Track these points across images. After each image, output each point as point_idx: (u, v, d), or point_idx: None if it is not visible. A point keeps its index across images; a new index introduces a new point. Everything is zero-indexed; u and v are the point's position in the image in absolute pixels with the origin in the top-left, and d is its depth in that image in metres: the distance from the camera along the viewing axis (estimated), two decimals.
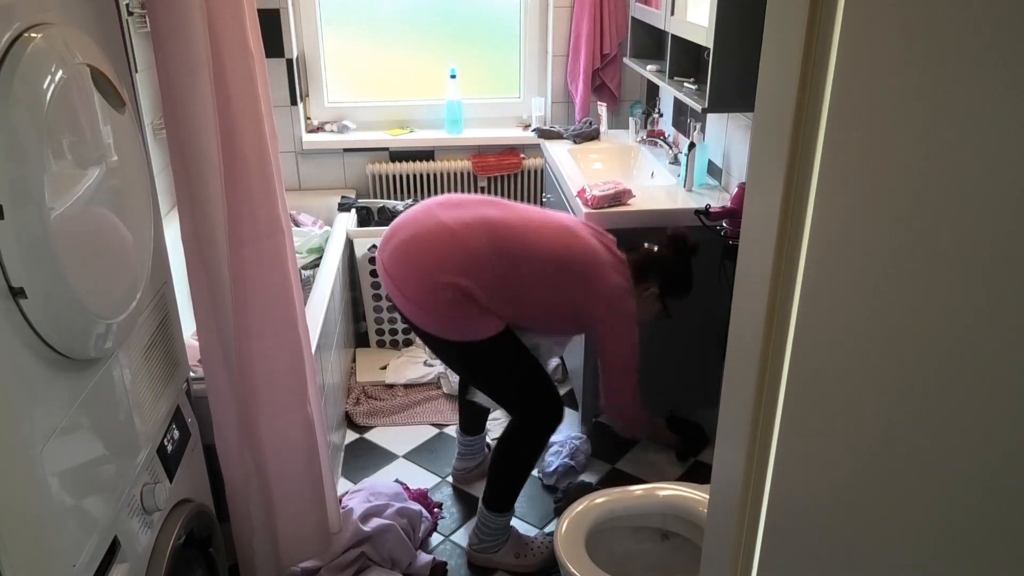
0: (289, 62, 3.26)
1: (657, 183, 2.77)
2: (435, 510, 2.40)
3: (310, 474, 1.89)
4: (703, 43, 2.19)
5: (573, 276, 1.98)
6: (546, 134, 3.27)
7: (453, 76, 3.34)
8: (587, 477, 2.58)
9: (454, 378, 2.92)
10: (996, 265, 0.47)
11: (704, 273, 2.42)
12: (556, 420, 2.10)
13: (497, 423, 2.82)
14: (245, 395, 1.72)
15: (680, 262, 2.13)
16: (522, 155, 3.47)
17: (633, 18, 3.06)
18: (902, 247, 0.55)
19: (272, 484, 1.83)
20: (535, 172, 3.49)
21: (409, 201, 3.30)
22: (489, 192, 3.51)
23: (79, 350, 1.16)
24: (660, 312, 2.15)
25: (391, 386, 3.04)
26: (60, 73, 1.08)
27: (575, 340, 2.65)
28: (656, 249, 2.15)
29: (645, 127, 3.21)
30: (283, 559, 1.93)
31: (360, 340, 3.33)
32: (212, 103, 1.47)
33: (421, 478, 2.55)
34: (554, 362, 3.15)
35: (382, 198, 3.44)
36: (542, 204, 3.45)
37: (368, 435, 2.81)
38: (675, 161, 2.86)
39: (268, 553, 1.90)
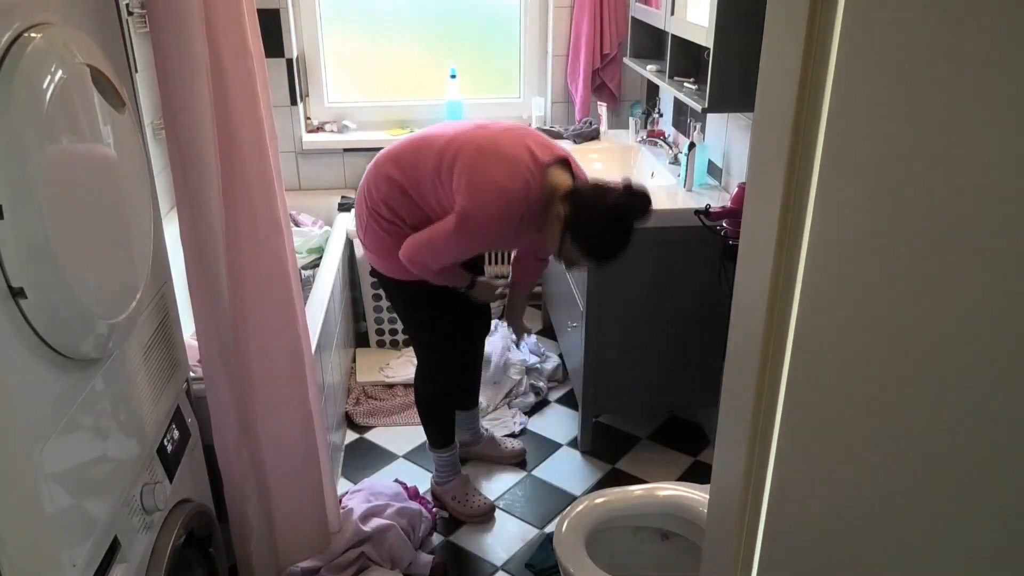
0: (289, 62, 3.26)
1: (657, 183, 2.77)
2: (434, 510, 2.40)
3: (309, 474, 1.88)
4: (703, 43, 2.19)
5: (446, 157, 1.88)
6: (546, 134, 3.27)
7: (453, 76, 3.34)
8: (587, 477, 2.58)
9: None
10: (997, 264, 0.47)
11: (704, 273, 2.42)
12: (447, 380, 2.35)
13: (498, 423, 2.83)
14: (243, 394, 1.72)
15: (611, 211, 1.81)
16: None
17: (633, 18, 3.06)
18: (902, 246, 0.55)
19: (270, 484, 1.83)
20: None
21: None
22: None
23: (79, 350, 1.16)
24: (557, 248, 1.89)
25: (391, 386, 3.04)
26: (60, 73, 1.08)
27: (572, 329, 2.65)
28: (606, 186, 1.86)
29: (645, 127, 3.21)
30: (281, 559, 1.93)
31: (360, 340, 3.33)
32: (210, 103, 1.47)
33: (421, 478, 2.55)
34: (553, 362, 3.15)
35: None
36: None
37: (368, 435, 2.81)
38: (675, 161, 2.86)
39: (266, 553, 1.90)
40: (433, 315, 2.20)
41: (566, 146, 3.12)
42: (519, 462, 2.65)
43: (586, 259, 1.89)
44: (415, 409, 2.89)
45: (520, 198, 1.84)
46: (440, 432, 2.40)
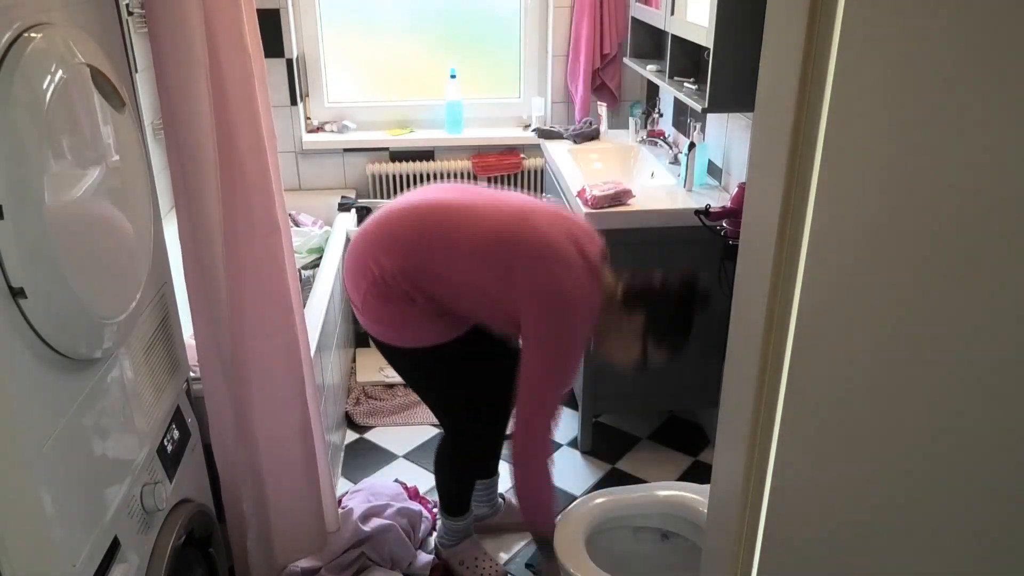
0: (289, 62, 3.26)
1: (657, 183, 2.77)
2: (434, 510, 2.40)
3: (306, 474, 1.88)
4: (703, 43, 2.19)
5: (499, 261, 1.71)
6: (546, 134, 3.27)
7: (453, 76, 3.34)
8: (587, 477, 2.58)
9: None
10: (998, 264, 0.47)
11: (704, 273, 2.42)
12: (480, 455, 2.10)
13: None
14: (241, 395, 1.71)
15: (681, 304, 1.79)
16: (522, 155, 3.47)
17: (633, 18, 3.06)
18: (902, 246, 0.55)
19: (267, 483, 1.82)
20: (535, 172, 3.49)
21: None
22: None
23: (79, 350, 1.16)
24: (635, 354, 1.81)
25: (391, 386, 3.04)
26: (60, 73, 1.08)
27: None
28: (660, 276, 1.81)
29: (645, 127, 3.20)
30: (279, 558, 1.93)
31: (360, 340, 3.33)
32: (208, 103, 1.48)
33: (421, 478, 2.55)
34: None
35: (382, 198, 3.44)
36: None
37: (368, 435, 2.81)
38: (675, 161, 2.86)
39: (263, 552, 1.90)
40: (447, 383, 1.97)
41: (566, 146, 3.13)
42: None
43: (665, 355, 1.82)
44: (415, 409, 2.91)
45: (589, 312, 1.74)
46: (458, 500, 2.15)
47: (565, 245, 1.71)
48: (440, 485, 2.18)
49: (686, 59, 2.55)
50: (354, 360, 3.20)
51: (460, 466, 2.13)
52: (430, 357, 1.87)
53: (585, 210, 2.38)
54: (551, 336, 1.72)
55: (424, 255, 1.75)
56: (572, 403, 2.94)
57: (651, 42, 3.05)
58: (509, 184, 3.51)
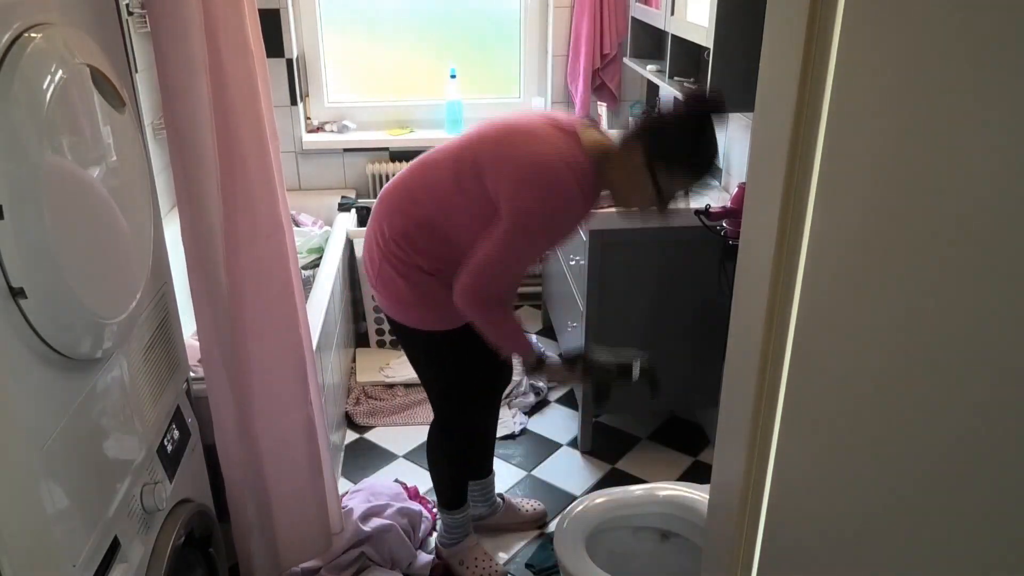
0: (289, 62, 3.26)
1: None
2: (434, 510, 2.40)
3: (310, 474, 1.88)
4: (703, 43, 2.19)
5: (473, 164, 1.68)
6: None
7: (453, 76, 3.34)
8: (587, 477, 2.58)
9: None
10: (996, 264, 0.47)
11: (704, 273, 2.42)
12: (463, 440, 2.11)
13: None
14: (244, 395, 1.71)
15: (687, 118, 1.59)
16: None
17: (633, 18, 3.06)
18: (902, 246, 0.55)
19: (271, 484, 1.82)
20: None
21: None
22: None
23: (79, 350, 1.16)
24: (649, 194, 1.65)
25: (391, 386, 3.04)
26: (60, 73, 1.08)
27: (572, 329, 2.65)
28: (656, 106, 1.66)
29: None
30: (283, 559, 1.93)
31: (360, 340, 3.33)
32: (209, 103, 1.48)
33: (421, 478, 2.55)
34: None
35: None
36: None
37: (368, 435, 2.81)
38: None
39: (267, 553, 1.90)
40: (455, 370, 1.97)
41: None
42: (540, 524, 2.39)
43: (692, 180, 1.65)
44: (415, 409, 2.91)
45: (565, 166, 1.61)
46: (454, 491, 2.17)
47: (530, 122, 1.70)
48: (435, 477, 2.20)
49: (686, 59, 2.55)
50: (354, 360, 3.20)
51: (452, 453, 2.14)
52: (441, 341, 1.90)
53: None
54: (525, 205, 1.63)
55: (417, 202, 1.77)
56: (572, 403, 2.94)
57: (651, 42, 3.05)
58: None
